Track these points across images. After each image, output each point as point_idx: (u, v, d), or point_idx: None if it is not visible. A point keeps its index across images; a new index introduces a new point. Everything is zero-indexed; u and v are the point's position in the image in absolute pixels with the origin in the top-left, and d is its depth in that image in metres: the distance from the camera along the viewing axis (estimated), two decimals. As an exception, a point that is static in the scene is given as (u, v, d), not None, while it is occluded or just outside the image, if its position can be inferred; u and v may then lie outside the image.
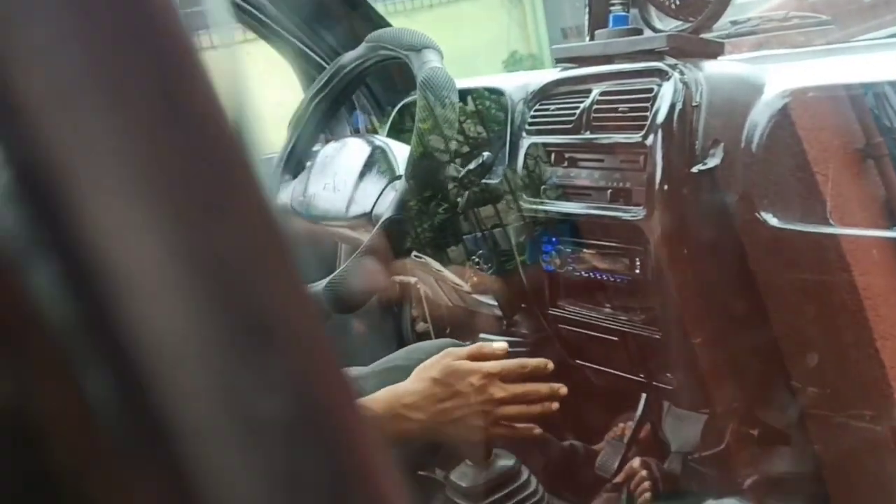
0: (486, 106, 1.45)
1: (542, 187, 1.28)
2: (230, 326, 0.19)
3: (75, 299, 0.17)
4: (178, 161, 0.19)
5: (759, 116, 1.03)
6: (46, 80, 0.17)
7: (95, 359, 0.18)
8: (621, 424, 1.36)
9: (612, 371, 1.29)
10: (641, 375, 1.23)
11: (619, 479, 1.26)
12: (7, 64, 0.17)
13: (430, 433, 1.00)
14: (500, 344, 1.07)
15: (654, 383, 1.21)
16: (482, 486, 1.08)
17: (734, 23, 1.40)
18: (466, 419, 0.99)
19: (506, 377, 1.01)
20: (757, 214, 1.03)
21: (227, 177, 0.19)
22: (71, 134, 0.17)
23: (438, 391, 0.99)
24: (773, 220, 1.02)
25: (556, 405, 1.03)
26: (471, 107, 1.43)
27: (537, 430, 1.05)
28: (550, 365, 1.05)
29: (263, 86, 1.87)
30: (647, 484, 1.23)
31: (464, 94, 1.38)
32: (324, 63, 1.66)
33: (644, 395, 1.26)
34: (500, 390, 1.00)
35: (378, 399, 0.98)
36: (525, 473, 1.11)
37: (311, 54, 1.69)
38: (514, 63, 6.56)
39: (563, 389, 1.04)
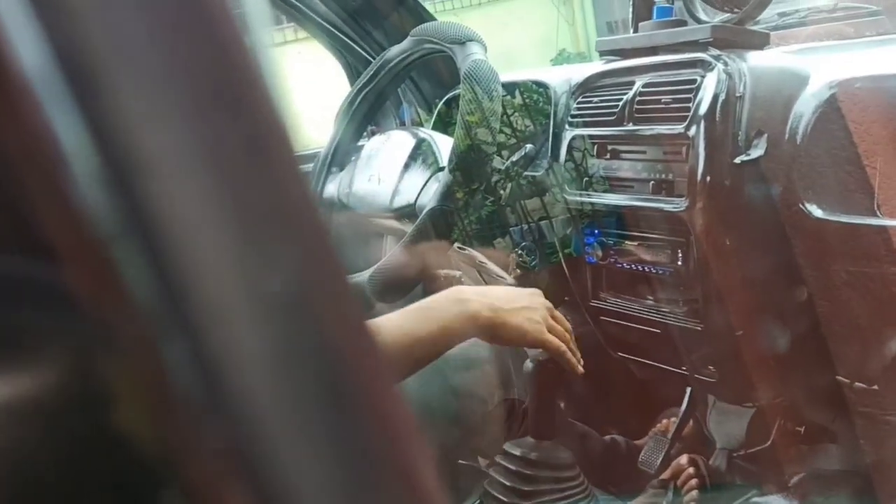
0: (531, 99, 1.45)
1: (585, 179, 1.28)
2: (241, 209, 0.21)
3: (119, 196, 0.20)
4: (196, 60, 0.21)
5: (804, 107, 1.02)
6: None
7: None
8: (665, 420, 1.36)
9: (654, 363, 1.29)
10: (684, 368, 1.23)
11: (665, 475, 1.25)
12: None
13: (485, 324, 0.99)
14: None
15: (697, 376, 1.21)
16: (534, 458, 1.07)
17: (782, 14, 1.38)
18: (524, 311, 1.01)
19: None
20: (801, 206, 1.02)
21: (237, 75, 0.21)
22: (104, 29, 0.20)
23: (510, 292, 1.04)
24: (816, 212, 1.01)
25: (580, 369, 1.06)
26: (517, 100, 1.44)
27: (580, 369, 1.06)
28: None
29: (313, 84, 1.89)
30: (694, 481, 1.22)
31: (510, 87, 1.39)
32: (370, 57, 1.68)
33: (689, 390, 1.25)
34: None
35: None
36: (576, 467, 1.11)
37: (358, 49, 1.72)
38: (562, 61, 6.53)
39: (581, 370, 1.06)
